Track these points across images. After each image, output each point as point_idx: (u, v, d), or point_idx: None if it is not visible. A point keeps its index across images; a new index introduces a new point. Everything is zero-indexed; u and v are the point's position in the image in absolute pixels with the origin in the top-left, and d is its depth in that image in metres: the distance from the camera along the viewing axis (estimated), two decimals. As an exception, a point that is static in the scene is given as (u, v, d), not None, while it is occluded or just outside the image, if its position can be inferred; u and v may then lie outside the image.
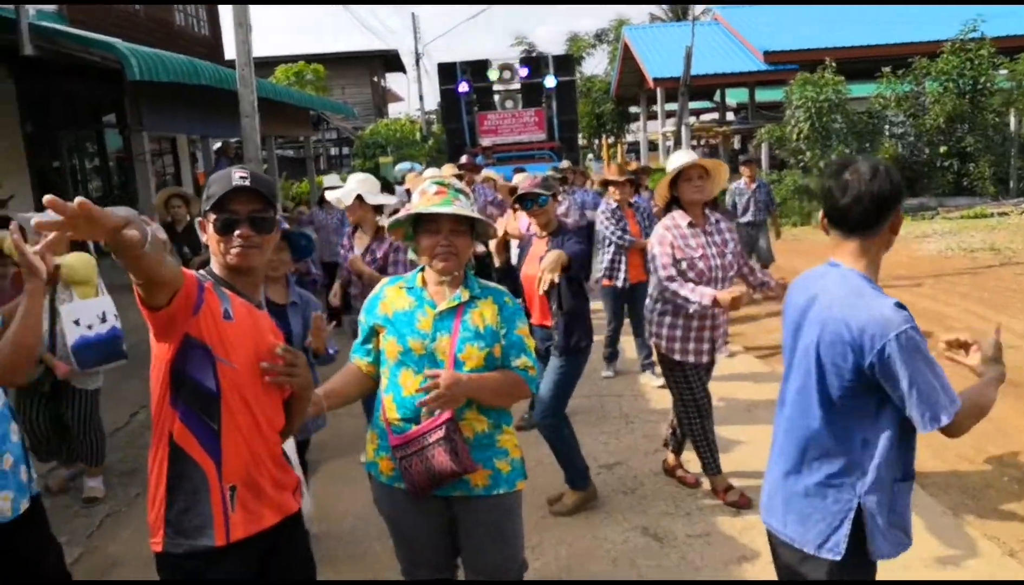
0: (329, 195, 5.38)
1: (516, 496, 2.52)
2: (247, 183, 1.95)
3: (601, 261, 6.28)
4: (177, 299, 1.78)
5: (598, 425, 5.37)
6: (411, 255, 2.62)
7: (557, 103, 18.80)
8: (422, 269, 2.53)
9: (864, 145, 17.29)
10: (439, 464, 2.32)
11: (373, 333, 2.52)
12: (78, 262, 4.13)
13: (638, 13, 38.08)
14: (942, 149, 17.11)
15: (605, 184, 6.39)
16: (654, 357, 6.06)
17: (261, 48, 23.08)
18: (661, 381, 5.97)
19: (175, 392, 1.90)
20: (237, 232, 1.95)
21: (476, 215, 2.44)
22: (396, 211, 4.78)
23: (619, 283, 6.16)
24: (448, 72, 18.97)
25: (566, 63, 20.11)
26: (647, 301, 4.19)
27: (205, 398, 1.90)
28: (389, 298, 2.51)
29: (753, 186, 9.09)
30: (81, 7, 11.44)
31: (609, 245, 6.18)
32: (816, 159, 16.93)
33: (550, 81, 18.62)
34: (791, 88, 17.51)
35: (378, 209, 4.88)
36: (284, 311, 3.51)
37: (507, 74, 19.01)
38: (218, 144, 14.24)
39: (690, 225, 3.95)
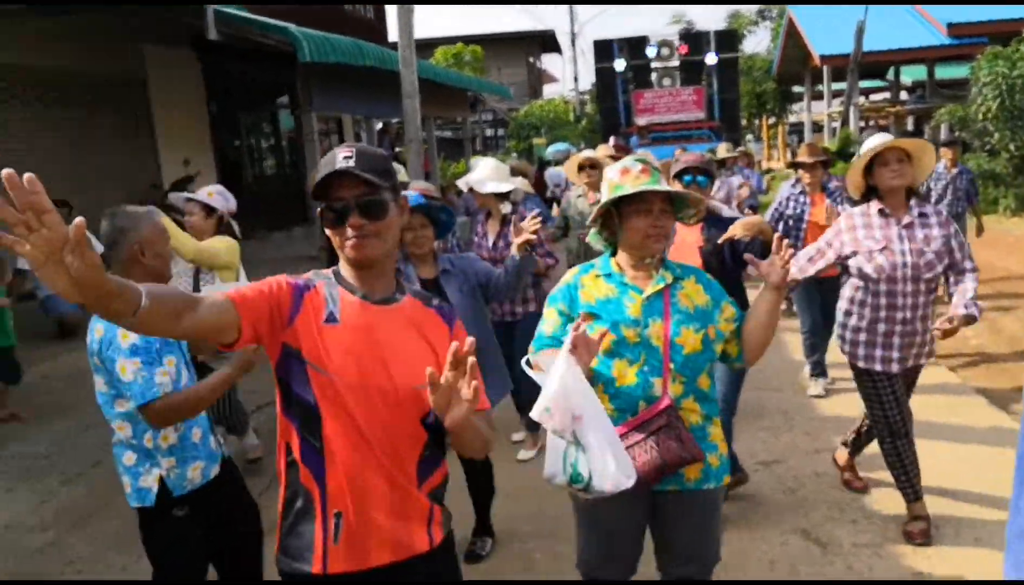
0: (460, 182, 5.33)
1: (721, 491, 2.44)
2: (351, 165, 1.68)
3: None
4: (244, 334, 1.63)
5: (755, 421, 5.12)
6: (593, 242, 2.49)
7: (718, 81, 18.15)
8: (612, 254, 2.44)
9: (1063, 128, 15.53)
10: (667, 452, 2.21)
11: (570, 321, 2.33)
12: (222, 246, 4.09)
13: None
14: None
15: (794, 166, 5.90)
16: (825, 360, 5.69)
17: (422, 30, 23.79)
18: (819, 389, 5.65)
19: (286, 402, 1.76)
20: (348, 222, 1.70)
21: (686, 192, 2.38)
22: (505, 196, 4.74)
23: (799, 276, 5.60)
24: (604, 50, 18.65)
25: (728, 39, 19.38)
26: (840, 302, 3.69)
27: (306, 412, 1.72)
28: (588, 287, 2.39)
29: (954, 171, 8.15)
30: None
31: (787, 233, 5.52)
32: (1005, 141, 15.41)
33: (711, 58, 18.01)
34: (978, 63, 15.97)
35: (503, 196, 4.78)
36: (437, 283, 3.49)
37: (665, 51, 18.50)
38: (380, 125, 14.78)
39: (881, 214, 3.44)
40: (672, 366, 2.28)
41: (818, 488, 4.15)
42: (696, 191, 3.63)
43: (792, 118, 32.87)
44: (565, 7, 31.40)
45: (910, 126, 25.83)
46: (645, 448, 2.23)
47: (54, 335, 7.23)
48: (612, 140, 10.18)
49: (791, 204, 5.64)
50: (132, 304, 1.36)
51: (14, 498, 4.60)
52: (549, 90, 37.58)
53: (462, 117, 18.56)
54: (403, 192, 1.88)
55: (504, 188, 4.77)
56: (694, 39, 18.88)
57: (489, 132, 29.74)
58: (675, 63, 18.56)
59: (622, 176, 2.34)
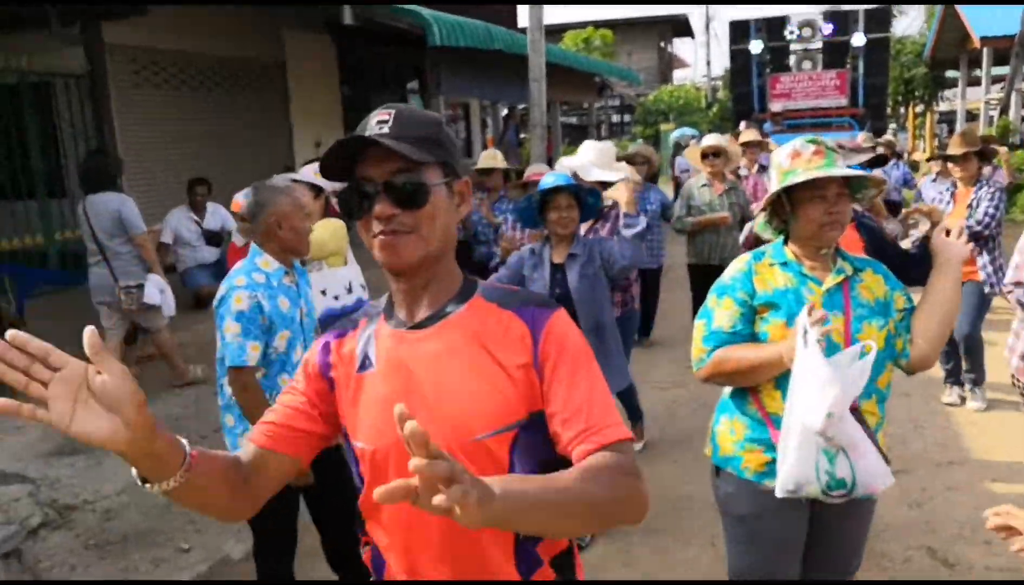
0: (559, 165, 4.85)
1: (875, 500, 2.30)
2: (384, 131, 1.25)
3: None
4: (307, 460, 1.37)
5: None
6: (762, 231, 2.32)
7: (865, 64, 16.84)
8: (785, 241, 2.27)
9: None
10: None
11: (752, 312, 2.20)
12: (326, 233, 3.72)
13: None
14: None
15: (945, 159, 5.29)
16: (963, 370, 5.15)
17: (552, 15, 23.76)
18: (953, 397, 5.18)
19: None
20: (375, 211, 1.24)
21: (866, 174, 2.23)
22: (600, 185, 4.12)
23: None
24: (741, 30, 17.66)
25: (880, 18, 17.81)
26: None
27: (362, 502, 1.36)
28: (762, 274, 2.22)
29: None
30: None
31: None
32: None
33: (858, 39, 16.73)
34: None
35: (605, 185, 4.23)
36: (561, 270, 3.45)
37: (807, 32, 17.36)
38: (505, 110, 14.87)
39: None
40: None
41: (948, 505, 3.85)
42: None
43: (943, 106, 30.64)
44: (700, -11, 30.50)
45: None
46: None
47: (191, 306, 7.72)
48: (743, 125, 9.81)
49: (941, 200, 5.02)
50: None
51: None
52: (680, 76, 36.70)
53: (588, 102, 18.39)
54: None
55: (611, 177, 4.19)
56: (841, 18, 17.47)
57: (615, 118, 29.35)
58: (817, 45, 17.41)
59: (792, 160, 2.18)
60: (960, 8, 20.23)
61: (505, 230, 4.98)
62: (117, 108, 8.32)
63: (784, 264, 2.21)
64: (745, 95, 17.58)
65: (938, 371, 5.39)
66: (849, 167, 3.18)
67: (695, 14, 30.71)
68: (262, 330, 2.58)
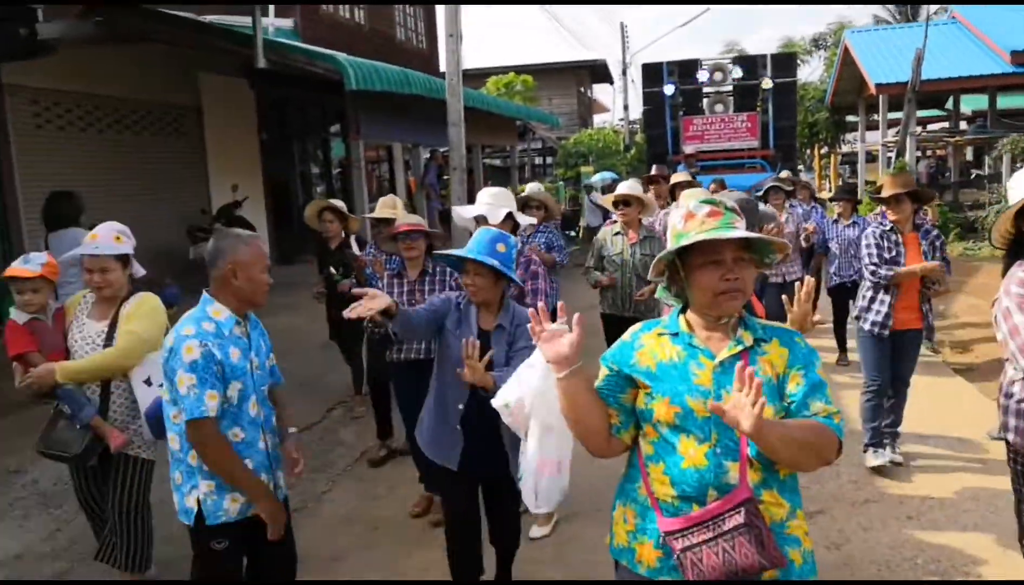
0: (456, 216, 4.75)
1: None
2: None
3: (860, 298, 4.93)
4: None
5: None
6: (663, 297, 2.26)
7: (774, 107, 17.31)
8: (681, 310, 2.07)
9: None
10: (743, 558, 1.81)
11: (628, 384, 2.05)
12: (152, 325, 3.26)
13: (861, 15, 35.60)
14: None
15: (879, 200, 5.01)
16: (899, 430, 4.91)
17: (474, 60, 23.89)
18: (879, 461, 4.77)
19: None
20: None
21: (767, 237, 2.01)
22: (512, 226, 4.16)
23: (873, 327, 4.74)
24: (653, 73, 17.95)
25: (786, 63, 18.43)
26: (1007, 386, 2.84)
27: None
28: (648, 347, 2.04)
29: None
30: (313, 24, 12.39)
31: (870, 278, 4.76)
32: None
33: (767, 82, 17.18)
34: (1045, 93, 15.45)
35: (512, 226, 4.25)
36: (488, 338, 3.14)
37: (718, 75, 17.78)
38: (427, 153, 14.89)
39: None
40: (750, 448, 1.87)
41: (866, 545, 3.92)
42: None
43: (845, 148, 32.25)
44: (617, 37, 31.38)
45: (969, 157, 25.09)
46: (716, 551, 1.83)
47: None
48: (655, 169, 9.76)
49: (882, 242, 4.74)
50: None
51: (28, 527, 4.44)
52: (599, 119, 37.54)
53: (510, 145, 18.60)
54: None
55: (469, 214, 4.33)
56: (750, 62, 18.01)
57: (538, 160, 29.75)
58: (728, 88, 17.75)
59: (686, 222, 1.98)
60: (856, 56, 21.46)
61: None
62: (19, 150, 7.99)
63: (675, 335, 2.02)
64: (659, 137, 17.81)
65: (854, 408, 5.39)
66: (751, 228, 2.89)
67: (613, 60, 31.59)
68: (217, 378, 2.51)
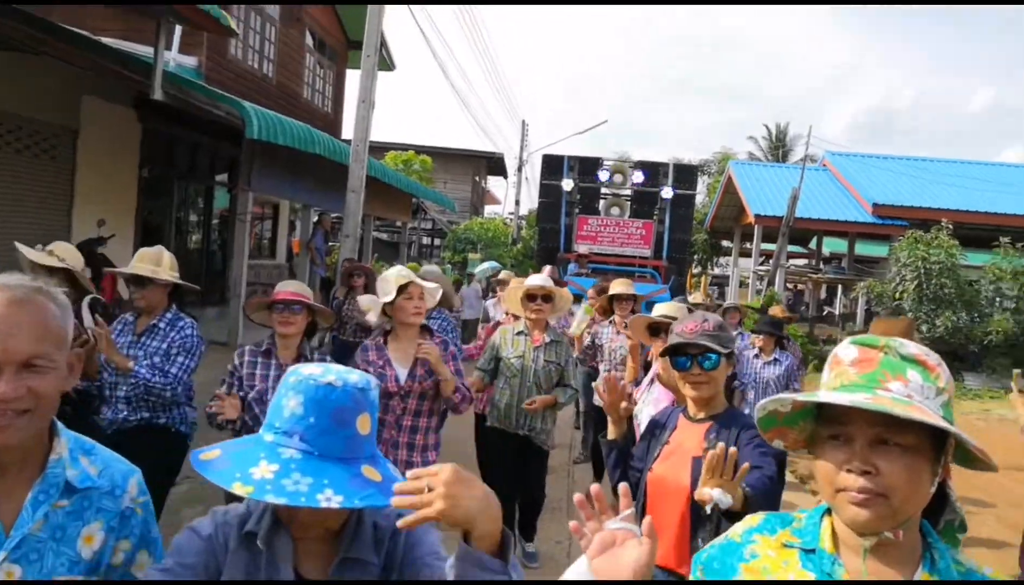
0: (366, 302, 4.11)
1: None
2: None
3: None
4: None
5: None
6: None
7: (671, 218, 16.68)
8: (826, 510, 1.35)
9: (974, 316, 16.37)
10: None
11: None
12: None
13: (740, 148, 38.51)
14: (1061, 332, 16.01)
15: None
16: None
17: (375, 133, 23.76)
18: None
19: None
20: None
21: (958, 433, 1.22)
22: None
23: None
24: (554, 166, 17.14)
25: (687, 175, 17.91)
26: None
27: None
28: (764, 561, 1.36)
29: None
30: (218, 67, 11.92)
31: None
32: (920, 322, 16.08)
33: (667, 192, 16.56)
34: (900, 244, 16.87)
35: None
36: None
37: (619, 177, 17.05)
38: (316, 216, 14.44)
39: None
40: None
41: None
42: (700, 375, 2.51)
43: (717, 270, 34.08)
44: (517, 135, 32.31)
45: (823, 295, 27.04)
46: None
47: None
48: (547, 269, 9.40)
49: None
50: None
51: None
52: (490, 210, 38.18)
53: (403, 221, 18.40)
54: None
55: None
56: (652, 169, 17.34)
57: (426, 240, 29.71)
58: (627, 192, 17.15)
59: (830, 370, 1.35)
60: (739, 185, 22.93)
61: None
62: None
63: (810, 552, 1.33)
64: (552, 232, 17.11)
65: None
66: (699, 360, 2.49)
67: (510, 154, 32.42)
68: None
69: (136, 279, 3.84)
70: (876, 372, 1.28)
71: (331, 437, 1.41)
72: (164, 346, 3.78)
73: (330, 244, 15.41)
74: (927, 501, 1.24)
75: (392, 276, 3.76)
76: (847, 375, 1.30)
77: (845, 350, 1.34)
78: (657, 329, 3.55)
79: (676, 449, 2.52)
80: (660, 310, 3.75)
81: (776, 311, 5.57)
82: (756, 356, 6.56)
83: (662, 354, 2.63)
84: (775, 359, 6.41)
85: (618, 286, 6.09)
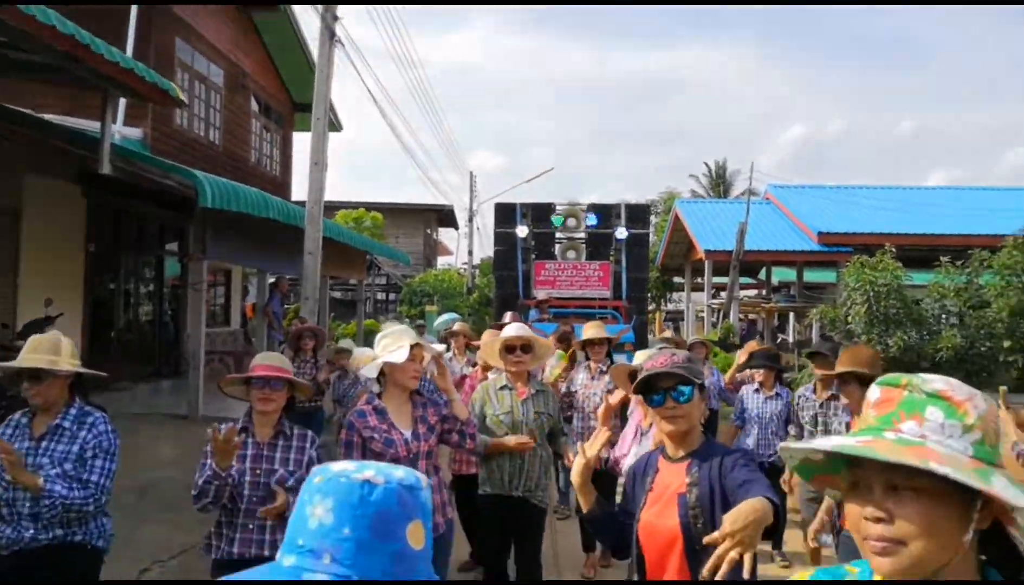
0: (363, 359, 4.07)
1: None
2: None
3: None
4: None
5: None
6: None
7: (627, 258, 16.62)
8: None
9: (924, 333, 16.84)
10: None
11: None
12: None
13: (683, 186, 39.41)
14: (1005, 343, 16.52)
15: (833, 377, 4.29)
16: None
17: (326, 194, 23.67)
18: None
19: None
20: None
21: (930, 466, 1.15)
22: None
23: None
24: (507, 214, 17.09)
25: (640, 214, 17.85)
26: None
27: None
28: None
29: (825, 395, 5.46)
30: (164, 137, 11.80)
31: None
32: (873, 343, 16.46)
33: (621, 232, 16.54)
34: (847, 269, 17.33)
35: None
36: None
37: (572, 221, 16.98)
38: (272, 279, 14.25)
39: None
40: None
41: None
42: (675, 409, 2.46)
43: (670, 306, 34.53)
44: (467, 186, 32.57)
45: (775, 322, 27.62)
46: None
47: None
48: (508, 315, 9.32)
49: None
50: None
51: None
52: (443, 261, 38.29)
53: (359, 279, 18.27)
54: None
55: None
56: (604, 211, 17.32)
57: (380, 295, 29.55)
58: (581, 235, 17.14)
59: (864, 410, 1.34)
60: (686, 223, 23.40)
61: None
62: None
63: None
64: (510, 279, 16.90)
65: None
66: (672, 393, 2.45)
67: (460, 206, 32.73)
68: None
69: (31, 373, 3.19)
70: (893, 413, 1.25)
71: (373, 555, 1.09)
72: (75, 449, 3.20)
73: (285, 307, 15.20)
74: (962, 548, 1.17)
75: (397, 334, 3.64)
76: (867, 418, 1.28)
77: (872, 391, 1.30)
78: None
79: (661, 492, 2.46)
80: (645, 357, 3.65)
81: (752, 346, 5.56)
82: (756, 391, 6.29)
83: (635, 391, 2.56)
84: (776, 394, 6.18)
85: (591, 330, 5.91)
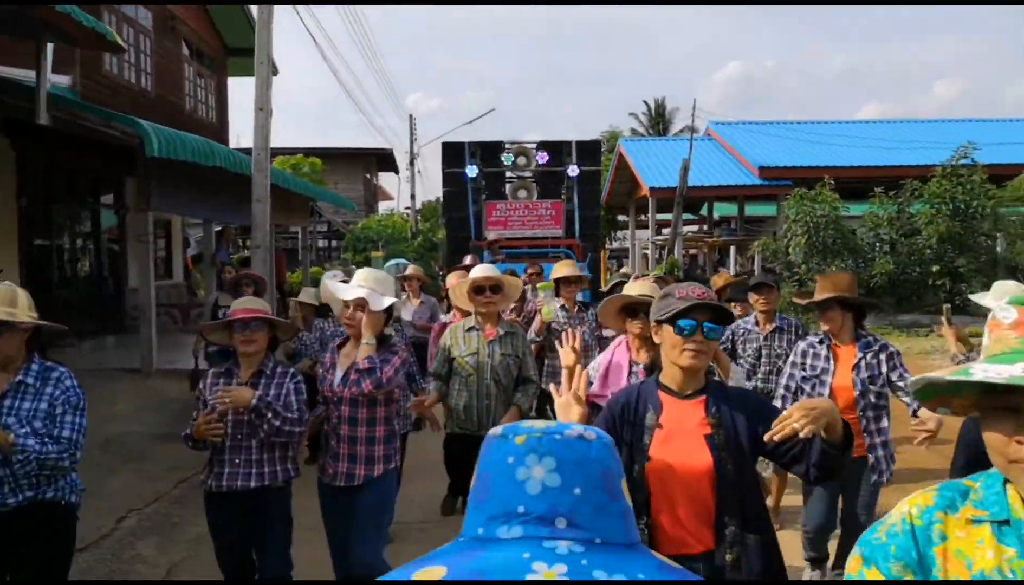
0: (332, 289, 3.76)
1: None
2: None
3: None
4: None
5: None
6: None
7: (579, 195, 16.27)
8: (1005, 479, 1.27)
9: (859, 261, 17.47)
10: None
11: None
12: None
13: (623, 125, 39.38)
14: (934, 268, 17.27)
15: (814, 306, 4.11)
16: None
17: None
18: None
19: None
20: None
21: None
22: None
23: None
24: (455, 154, 16.44)
25: (592, 151, 17.37)
26: None
27: None
28: (955, 541, 1.27)
29: (769, 328, 5.33)
30: (94, 84, 11.24)
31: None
32: (812, 272, 17.04)
33: (573, 170, 16.15)
34: (788, 202, 17.77)
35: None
36: None
37: (522, 160, 16.45)
38: (218, 228, 13.88)
39: None
40: None
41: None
42: (702, 343, 2.30)
43: (615, 244, 34.89)
44: (405, 129, 31.95)
45: (716, 256, 28.27)
46: None
47: None
48: (469, 258, 9.34)
49: (809, 360, 4.07)
50: None
51: None
52: (384, 206, 37.73)
53: (302, 226, 17.92)
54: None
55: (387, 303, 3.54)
56: (555, 148, 16.75)
57: (322, 243, 29.09)
58: (531, 174, 16.71)
59: (990, 334, 1.30)
60: (631, 161, 23.54)
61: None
62: None
63: (1003, 524, 1.22)
64: (461, 221, 16.46)
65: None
66: (704, 327, 2.31)
67: (399, 149, 32.09)
68: None
69: None
70: None
71: (609, 516, 0.99)
72: (43, 406, 3.09)
73: (232, 256, 14.87)
74: None
75: (378, 280, 3.62)
76: (1006, 340, 1.23)
77: (1004, 312, 1.26)
78: (635, 310, 3.48)
79: (675, 430, 2.30)
80: (636, 289, 3.62)
81: (720, 279, 5.59)
82: (755, 325, 5.43)
83: (663, 321, 2.34)
84: (778, 327, 5.33)
85: (564, 268, 5.89)
